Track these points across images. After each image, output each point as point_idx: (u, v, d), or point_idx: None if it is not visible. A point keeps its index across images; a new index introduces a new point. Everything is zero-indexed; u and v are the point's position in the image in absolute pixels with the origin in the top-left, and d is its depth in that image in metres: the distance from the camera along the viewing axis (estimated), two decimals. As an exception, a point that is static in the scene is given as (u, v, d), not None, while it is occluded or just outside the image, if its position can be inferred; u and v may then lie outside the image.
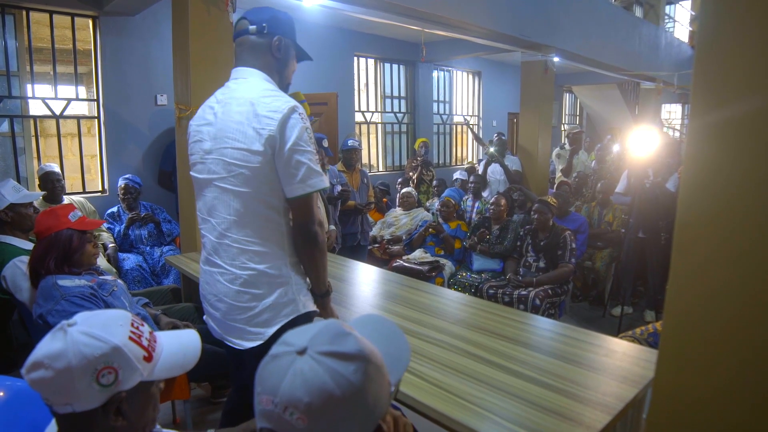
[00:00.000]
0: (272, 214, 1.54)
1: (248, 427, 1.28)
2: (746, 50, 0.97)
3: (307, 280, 1.64)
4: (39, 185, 3.85)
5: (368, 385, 0.73)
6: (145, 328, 0.99)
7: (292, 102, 1.49)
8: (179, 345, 1.06)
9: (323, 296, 1.65)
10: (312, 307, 1.63)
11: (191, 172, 1.66)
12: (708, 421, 1.08)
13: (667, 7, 11.93)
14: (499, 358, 1.71)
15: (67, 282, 1.93)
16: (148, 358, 0.96)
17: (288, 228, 1.57)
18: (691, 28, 12.24)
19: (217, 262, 1.58)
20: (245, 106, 1.49)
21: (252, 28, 1.59)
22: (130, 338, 0.93)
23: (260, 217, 1.53)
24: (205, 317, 1.73)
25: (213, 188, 1.56)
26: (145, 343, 0.96)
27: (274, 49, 1.61)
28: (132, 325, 0.96)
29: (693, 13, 12.44)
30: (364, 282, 2.76)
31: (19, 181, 4.06)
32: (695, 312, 1.09)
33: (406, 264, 4.30)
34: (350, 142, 4.47)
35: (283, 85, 1.66)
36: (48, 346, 0.89)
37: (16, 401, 1.47)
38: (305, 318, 1.59)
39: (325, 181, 1.53)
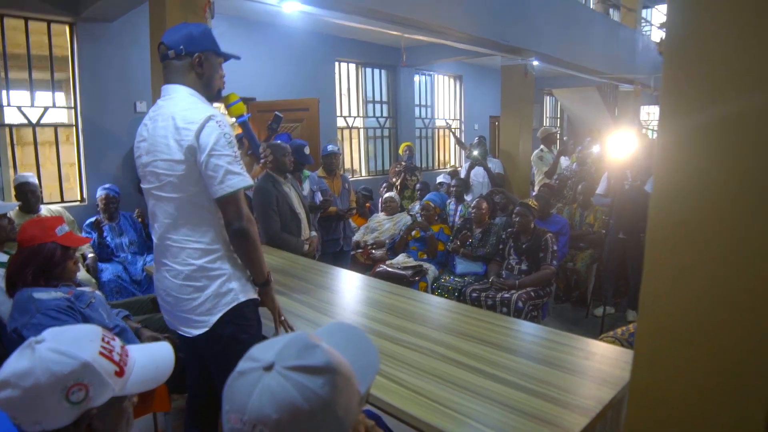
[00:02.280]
0: (204, 213, 1.69)
1: None
2: (714, 56, 0.99)
3: (247, 272, 1.78)
4: (15, 195, 3.78)
5: (337, 397, 0.73)
6: (116, 343, 0.98)
7: (209, 112, 1.63)
8: (151, 358, 1.05)
9: (263, 286, 1.79)
10: (252, 295, 1.77)
11: (140, 185, 1.81)
12: (684, 421, 1.10)
13: (644, 11, 12.12)
14: (480, 363, 1.71)
15: (43, 295, 1.89)
16: (120, 373, 0.95)
17: (221, 224, 1.71)
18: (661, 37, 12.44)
19: (163, 261, 1.75)
20: (168, 121, 1.63)
21: (171, 53, 1.70)
22: (101, 353, 0.92)
23: (193, 218, 1.68)
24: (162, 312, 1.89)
25: (152, 197, 1.74)
26: (116, 357, 0.95)
27: (196, 67, 1.72)
28: (102, 339, 0.94)
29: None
30: (345, 289, 2.75)
31: (-6, 191, 3.99)
32: (669, 314, 1.10)
33: (390, 269, 4.28)
34: (330, 147, 4.47)
35: (212, 94, 1.79)
36: (15, 364, 0.87)
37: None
38: (245, 305, 1.74)
39: (245, 180, 1.64)
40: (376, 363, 0.92)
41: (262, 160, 2.77)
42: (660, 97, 1.09)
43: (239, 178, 1.61)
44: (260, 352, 0.75)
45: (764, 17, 0.92)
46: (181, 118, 1.61)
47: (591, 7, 9.10)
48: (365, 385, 0.84)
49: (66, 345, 0.90)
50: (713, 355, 1.03)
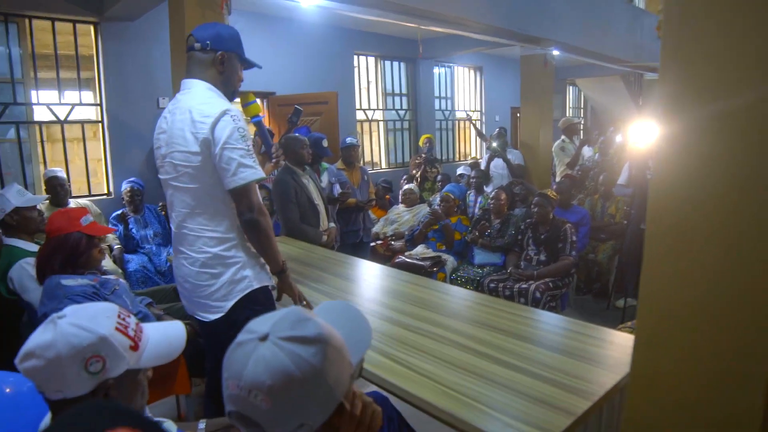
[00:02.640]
0: (219, 204, 1.76)
1: None
2: (710, 58, 1.01)
3: (261, 259, 1.85)
4: (45, 189, 3.93)
5: (328, 366, 0.78)
6: (132, 320, 1.04)
7: (224, 106, 1.69)
8: (165, 335, 1.12)
9: (279, 274, 1.87)
10: (266, 282, 1.85)
11: (158, 176, 1.87)
12: (683, 404, 1.11)
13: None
14: (491, 350, 1.73)
15: (70, 282, 1.98)
16: (134, 348, 1.01)
17: (236, 214, 1.77)
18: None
19: (180, 249, 1.83)
20: (185, 114, 1.70)
21: (197, 45, 1.76)
22: (117, 329, 0.98)
23: (209, 208, 1.75)
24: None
25: (170, 187, 1.80)
26: (131, 333, 1.01)
27: (217, 63, 1.78)
28: (119, 316, 1.01)
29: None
30: (362, 278, 2.79)
31: (26, 187, 4.15)
32: (668, 299, 1.12)
33: (408, 260, 4.32)
34: (348, 140, 4.52)
35: (229, 92, 1.84)
36: (39, 337, 0.94)
37: (23, 396, 1.53)
38: (259, 292, 1.81)
39: (257, 173, 1.70)
40: (368, 338, 0.97)
41: (273, 159, 2.85)
42: (659, 92, 1.10)
43: (251, 170, 1.68)
44: (257, 325, 0.80)
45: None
46: (198, 111, 1.67)
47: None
48: (357, 358, 0.88)
49: (85, 320, 0.96)
50: (712, 340, 1.05)
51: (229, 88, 1.84)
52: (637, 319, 1.18)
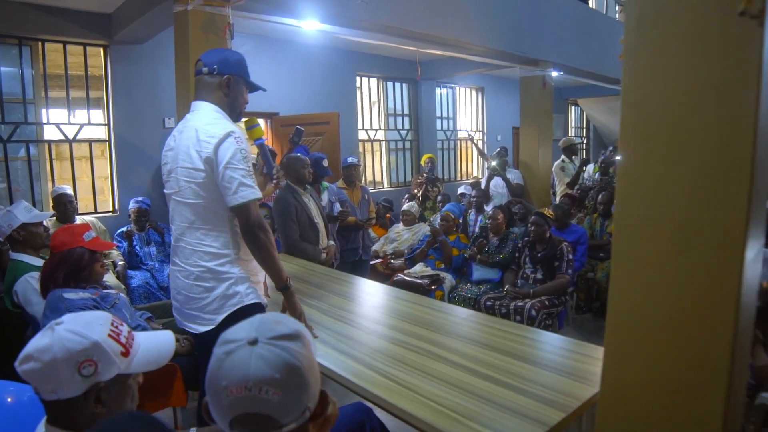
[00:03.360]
0: (218, 220, 1.83)
1: None
2: (666, 95, 1.09)
3: (254, 277, 1.92)
4: (53, 206, 4.02)
5: (313, 354, 0.90)
6: (124, 328, 1.11)
7: (229, 128, 1.78)
8: (155, 343, 1.19)
9: (283, 290, 1.92)
10: (256, 299, 1.89)
11: (163, 190, 1.95)
12: (650, 410, 1.16)
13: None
14: (479, 365, 1.76)
15: (71, 295, 2.05)
16: (125, 354, 1.08)
17: (233, 231, 1.85)
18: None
19: (176, 261, 1.91)
20: (192, 132, 1.79)
21: (205, 69, 1.87)
22: (109, 335, 1.06)
23: (208, 223, 1.83)
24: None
25: (173, 201, 1.89)
26: (123, 340, 1.08)
27: (223, 87, 1.89)
28: (112, 324, 1.09)
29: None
30: (362, 296, 2.80)
31: (34, 204, 4.25)
32: (634, 311, 1.18)
33: (407, 278, 4.37)
34: (349, 159, 4.61)
35: (234, 114, 1.94)
36: (38, 341, 1.01)
37: (23, 405, 1.60)
38: (250, 308, 1.85)
39: (255, 193, 1.77)
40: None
41: (274, 181, 2.93)
42: (622, 111, 1.18)
43: (251, 190, 1.76)
44: (235, 334, 0.88)
45: (708, 32, 1.01)
46: (204, 131, 1.77)
47: (615, 17, 9.06)
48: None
49: (80, 327, 1.04)
50: (674, 353, 1.13)
51: (235, 110, 1.93)
52: (606, 333, 1.24)
